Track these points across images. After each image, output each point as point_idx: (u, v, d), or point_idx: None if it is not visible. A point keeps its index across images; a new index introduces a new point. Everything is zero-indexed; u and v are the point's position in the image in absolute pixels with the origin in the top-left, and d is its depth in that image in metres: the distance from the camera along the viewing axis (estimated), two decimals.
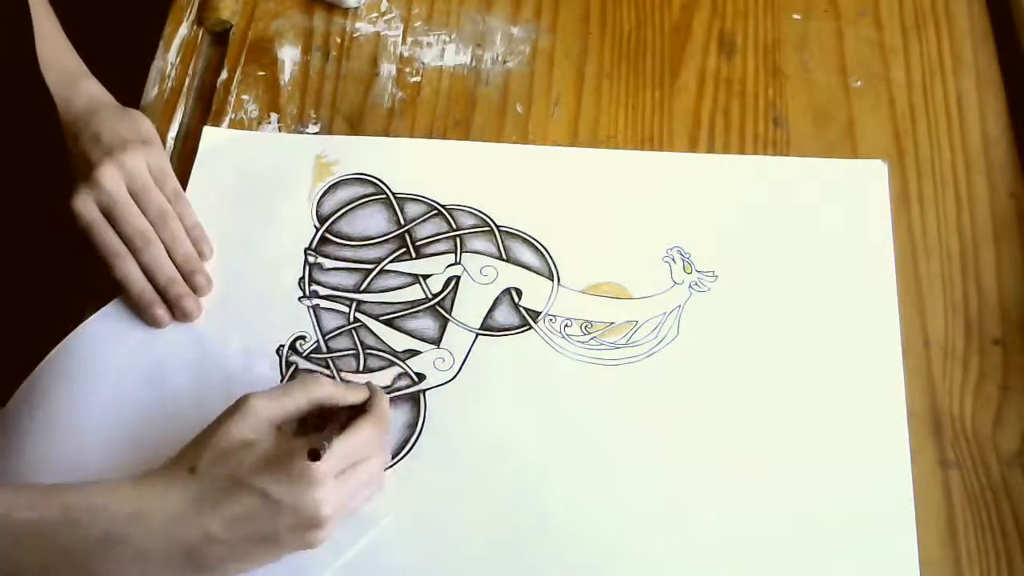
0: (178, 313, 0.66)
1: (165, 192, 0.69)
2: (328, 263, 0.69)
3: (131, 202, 0.67)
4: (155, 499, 0.54)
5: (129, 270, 0.66)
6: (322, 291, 0.68)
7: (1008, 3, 0.79)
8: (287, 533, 0.54)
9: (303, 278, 0.69)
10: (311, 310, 0.68)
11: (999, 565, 0.59)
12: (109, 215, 0.66)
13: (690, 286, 0.68)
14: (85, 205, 0.66)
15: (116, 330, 0.66)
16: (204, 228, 0.70)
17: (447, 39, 0.79)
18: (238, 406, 0.56)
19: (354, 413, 0.59)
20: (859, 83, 0.76)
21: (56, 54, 0.71)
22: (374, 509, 0.60)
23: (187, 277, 0.67)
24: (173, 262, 0.67)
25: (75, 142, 0.68)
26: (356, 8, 0.80)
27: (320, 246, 0.70)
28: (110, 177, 0.66)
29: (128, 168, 0.67)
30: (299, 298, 0.68)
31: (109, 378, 0.64)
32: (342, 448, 0.55)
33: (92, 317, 0.66)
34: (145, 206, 0.67)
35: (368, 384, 0.62)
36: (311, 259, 0.69)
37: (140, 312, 0.66)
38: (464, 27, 0.80)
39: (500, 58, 0.78)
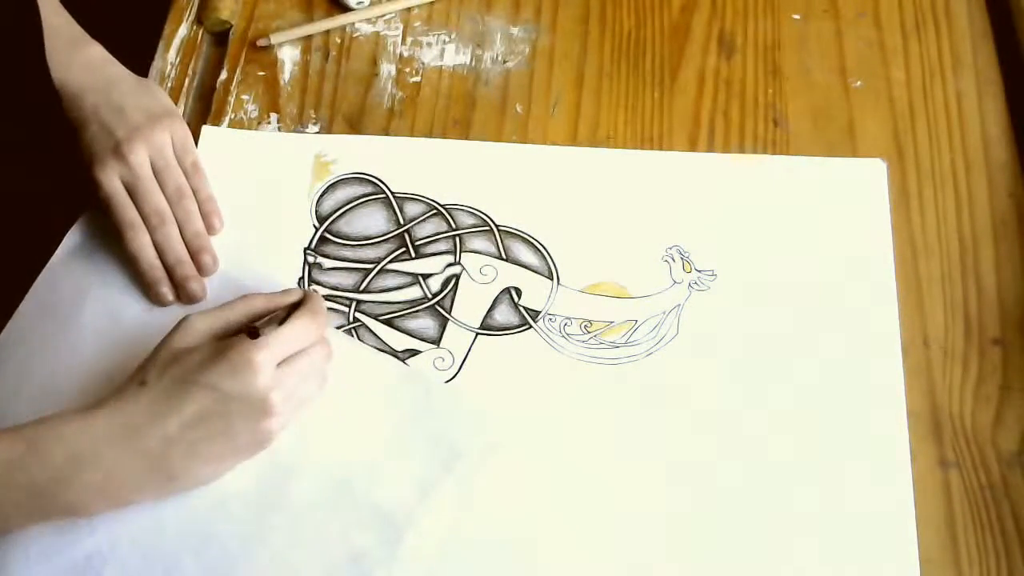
0: (183, 295, 0.67)
1: (184, 165, 0.69)
2: (327, 263, 0.69)
3: (153, 179, 0.68)
4: (112, 416, 0.55)
5: (142, 244, 0.67)
6: (322, 291, 0.68)
7: (1008, 3, 0.79)
8: (241, 423, 0.57)
9: (302, 278, 0.69)
10: None
11: (999, 565, 0.59)
12: (130, 189, 0.67)
13: (690, 285, 0.68)
14: (110, 177, 0.67)
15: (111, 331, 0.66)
16: (216, 202, 0.70)
17: (447, 39, 0.79)
18: (178, 324, 0.60)
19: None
20: (859, 83, 0.76)
21: (58, 21, 0.71)
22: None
23: (194, 255, 0.67)
24: (184, 239, 0.68)
25: (94, 112, 0.68)
26: (358, 8, 0.80)
27: (319, 246, 0.70)
28: (138, 153, 0.67)
29: (154, 143, 0.68)
30: None
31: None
32: (279, 336, 0.58)
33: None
34: (164, 182, 0.68)
35: (303, 289, 0.65)
36: (310, 259, 0.69)
37: (146, 288, 0.67)
38: (464, 27, 0.80)
39: (500, 58, 0.78)
